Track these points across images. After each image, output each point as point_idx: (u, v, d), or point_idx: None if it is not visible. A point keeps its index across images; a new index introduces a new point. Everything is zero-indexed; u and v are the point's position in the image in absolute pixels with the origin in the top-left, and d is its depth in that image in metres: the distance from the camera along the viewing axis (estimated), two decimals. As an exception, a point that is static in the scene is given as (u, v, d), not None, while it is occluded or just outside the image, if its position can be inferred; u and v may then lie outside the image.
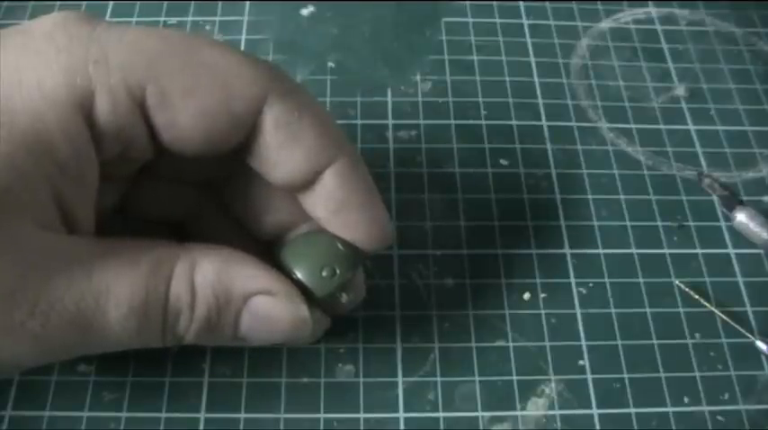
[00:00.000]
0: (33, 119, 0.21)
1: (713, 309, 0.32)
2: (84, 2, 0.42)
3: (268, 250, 0.27)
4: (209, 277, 0.24)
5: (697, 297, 0.32)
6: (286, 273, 0.26)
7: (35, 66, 0.22)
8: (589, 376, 0.31)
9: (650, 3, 0.44)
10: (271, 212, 0.28)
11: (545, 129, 0.38)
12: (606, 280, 0.33)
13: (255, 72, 0.24)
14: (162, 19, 0.41)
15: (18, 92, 0.21)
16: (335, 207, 0.26)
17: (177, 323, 0.24)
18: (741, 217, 0.34)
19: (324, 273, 0.26)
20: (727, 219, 0.35)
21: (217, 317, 0.24)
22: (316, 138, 0.25)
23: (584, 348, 0.31)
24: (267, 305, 0.24)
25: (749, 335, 0.32)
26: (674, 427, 0.30)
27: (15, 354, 0.22)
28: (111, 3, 0.42)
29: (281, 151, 0.24)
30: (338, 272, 0.26)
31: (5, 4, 0.41)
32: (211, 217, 0.29)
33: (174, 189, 0.29)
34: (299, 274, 0.26)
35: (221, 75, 0.23)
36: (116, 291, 0.22)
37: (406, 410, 0.29)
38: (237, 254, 0.25)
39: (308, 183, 0.25)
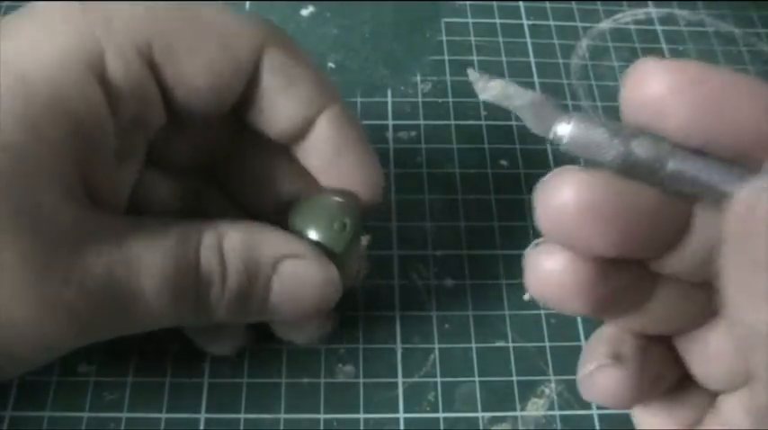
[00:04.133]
0: (50, 85, 0.22)
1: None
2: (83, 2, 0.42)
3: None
4: (237, 246, 0.24)
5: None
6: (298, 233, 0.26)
7: (45, 36, 0.23)
8: (589, 376, 0.31)
9: (650, 3, 0.44)
10: (270, 187, 0.29)
11: (545, 129, 0.38)
12: (606, 280, 0.33)
13: (253, 24, 0.26)
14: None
15: (33, 60, 0.22)
16: (331, 153, 0.27)
17: (209, 294, 0.24)
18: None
19: (335, 227, 0.26)
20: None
21: (248, 285, 0.24)
22: (311, 83, 0.26)
23: (584, 348, 0.31)
24: (297, 268, 0.25)
25: None
26: (673, 428, 0.30)
27: (54, 329, 0.22)
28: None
29: (279, 95, 0.26)
30: (348, 222, 0.26)
31: (5, 3, 0.41)
32: (214, 202, 0.30)
33: (178, 179, 0.29)
34: (313, 235, 0.26)
35: (222, 29, 0.25)
36: (147, 259, 0.23)
37: (406, 411, 0.29)
38: (260, 224, 0.26)
39: (304, 130, 0.26)
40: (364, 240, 0.27)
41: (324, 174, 0.27)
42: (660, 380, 0.20)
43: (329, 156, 0.27)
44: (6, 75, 0.22)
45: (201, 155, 0.29)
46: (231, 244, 0.24)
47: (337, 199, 0.27)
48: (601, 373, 0.19)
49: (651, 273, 0.18)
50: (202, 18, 0.25)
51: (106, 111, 0.23)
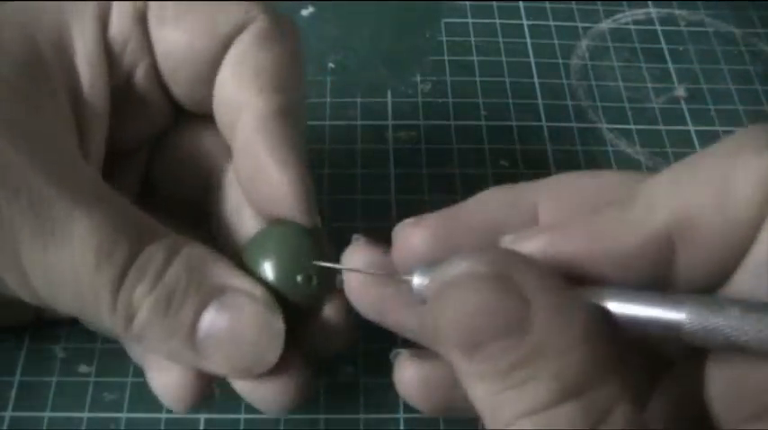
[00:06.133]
0: (58, 23, 0.24)
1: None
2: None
3: None
4: (192, 257, 0.22)
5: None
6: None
7: None
8: (589, 377, 0.31)
9: (650, 3, 0.44)
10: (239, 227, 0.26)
11: (545, 129, 0.38)
12: (606, 280, 0.33)
13: (250, 5, 0.25)
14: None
15: (50, 11, 0.24)
16: (251, 155, 0.24)
17: (137, 284, 0.21)
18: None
19: (299, 280, 0.23)
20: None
21: (181, 295, 0.22)
22: (260, 68, 0.25)
23: (584, 349, 0.31)
24: (241, 303, 0.22)
25: None
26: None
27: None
28: (112, 3, 0.42)
29: (225, 74, 0.25)
30: (314, 276, 0.23)
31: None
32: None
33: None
34: (268, 275, 0.23)
35: (214, 2, 0.25)
36: (96, 210, 0.21)
37: (405, 411, 0.29)
38: (223, 254, 0.23)
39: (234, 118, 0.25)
40: (340, 283, 0.22)
41: (245, 185, 0.25)
42: None
43: (249, 165, 0.24)
44: (22, 5, 0.23)
45: (187, 190, 0.28)
46: (189, 252, 0.22)
47: (296, 238, 0.23)
48: (400, 360, 0.22)
49: None
50: None
51: (104, 70, 0.24)
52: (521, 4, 0.43)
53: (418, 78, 0.40)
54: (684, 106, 0.40)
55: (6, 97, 0.22)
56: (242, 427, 0.29)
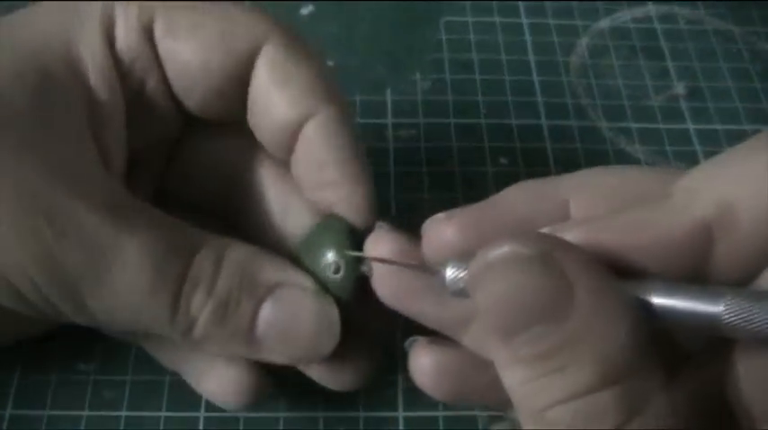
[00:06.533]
0: (67, 45, 0.24)
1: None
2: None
3: None
4: (238, 258, 0.23)
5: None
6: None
7: (72, 8, 0.25)
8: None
9: (649, 1, 0.44)
10: (280, 226, 0.27)
11: (545, 127, 0.38)
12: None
13: (260, 18, 0.25)
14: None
15: (55, 24, 0.24)
16: (313, 162, 0.25)
17: (193, 296, 0.22)
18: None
19: (330, 271, 0.24)
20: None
21: (236, 300, 0.23)
22: (304, 85, 0.24)
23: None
24: (295, 297, 0.23)
25: None
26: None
27: (21, 265, 0.21)
28: (111, 1, 0.42)
29: (272, 91, 0.24)
30: (342, 264, 0.23)
31: (6, 3, 0.41)
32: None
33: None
34: (315, 268, 0.24)
35: (227, 16, 0.25)
36: (141, 229, 0.22)
37: (405, 409, 0.29)
38: (270, 252, 0.24)
39: (293, 138, 0.25)
40: (368, 272, 0.22)
41: (310, 188, 0.25)
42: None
43: (312, 166, 0.25)
44: (28, 29, 0.24)
45: (210, 190, 0.28)
46: (233, 255, 0.23)
47: (330, 234, 0.24)
48: (416, 348, 0.22)
49: None
50: (211, 4, 0.25)
51: (116, 81, 0.24)
52: (520, 2, 0.43)
53: (418, 76, 0.40)
54: (684, 104, 0.40)
55: (29, 127, 0.22)
56: (241, 427, 0.29)
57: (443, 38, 0.41)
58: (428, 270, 0.20)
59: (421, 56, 0.41)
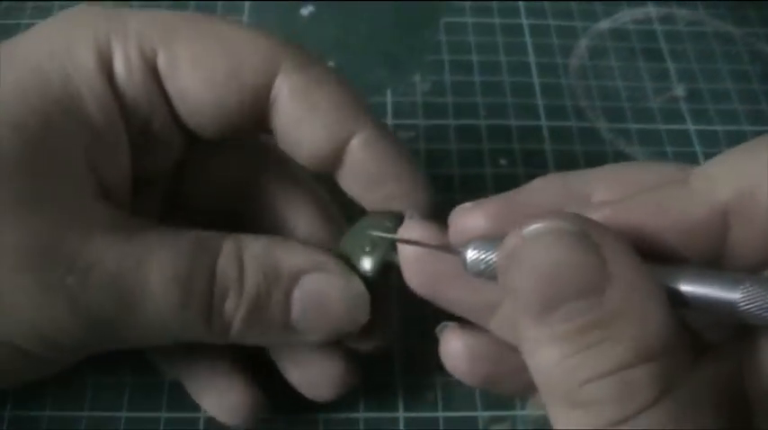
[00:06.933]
0: (64, 82, 0.23)
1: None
2: (84, 2, 0.42)
3: None
4: (257, 254, 0.23)
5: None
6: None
7: (63, 37, 0.23)
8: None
9: (649, 3, 0.44)
10: (291, 234, 0.27)
11: (544, 129, 0.38)
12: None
13: (268, 44, 0.24)
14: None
15: (49, 60, 0.23)
16: (368, 180, 0.25)
17: (224, 302, 0.23)
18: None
19: (366, 249, 0.24)
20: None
21: (267, 295, 0.23)
22: (335, 109, 0.24)
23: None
24: (320, 280, 0.24)
25: None
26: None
27: (53, 317, 0.21)
28: (110, 4, 0.42)
29: (301, 124, 0.24)
30: (378, 242, 0.24)
31: (5, 4, 0.41)
32: None
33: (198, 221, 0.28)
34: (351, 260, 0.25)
35: (233, 46, 0.24)
36: (159, 255, 0.22)
37: (405, 410, 0.29)
38: (283, 238, 0.25)
39: (336, 158, 0.25)
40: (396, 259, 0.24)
41: (364, 200, 0.26)
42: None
43: (367, 184, 0.25)
44: (23, 67, 0.22)
45: (220, 199, 0.28)
46: (252, 252, 0.23)
47: (372, 220, 0.25)
48: (447, 333, 0.23)
49: None
50: (216, 32, 0.24)
51: (116, 113, 0.23)
52: (520, 3, 0.43)
53: (417, 78, 0.40)
54: (683, 106, 0.40)
55: (31, 179, 0.21)
56: (241, 427, 0.29)
57: (443, 39, 0.41)
58: (452, 251, 0.20)
59: (421, 57, 0.41)
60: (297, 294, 0.24)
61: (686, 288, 0.17)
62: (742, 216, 0.17)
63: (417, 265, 0.22)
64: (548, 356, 0.17)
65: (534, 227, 0.17)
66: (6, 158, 0.21)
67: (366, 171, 0.25)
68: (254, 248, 0.23)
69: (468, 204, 0.21)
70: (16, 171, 0.21)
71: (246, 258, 0.23)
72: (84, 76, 0.23)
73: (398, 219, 0.25)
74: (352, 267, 0.25)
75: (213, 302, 0.23)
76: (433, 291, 0.22)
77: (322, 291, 0.24)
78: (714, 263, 0.18)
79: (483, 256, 0.19)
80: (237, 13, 0.42)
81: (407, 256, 0.22)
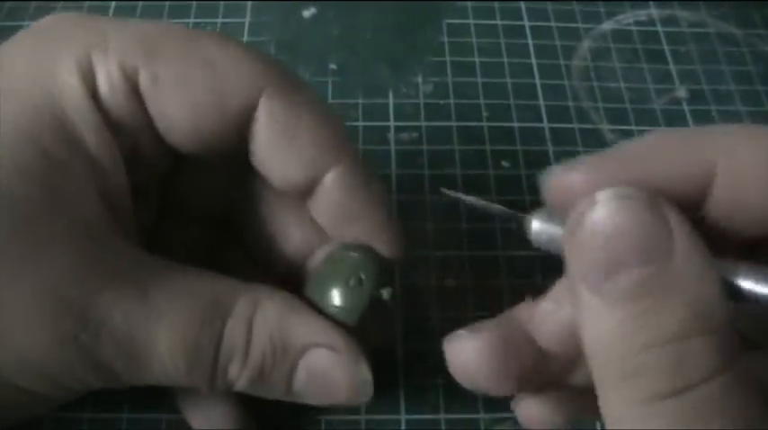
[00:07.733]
0: (53, 110, 0.22)
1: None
2: (86, 2, 0.42)
3: (284, 283, 0.26)
4: (269, 322, 0.23)
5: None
6: (317, 302, 0.25)
7: (45, 57, 0.22)
8: (590, 378, 0.31)
9: (651, 4, 0.44)
10: (283, 239, 0.27)
11: (546, 130, 0.38)
12: (607, 281, 0.33)
13: (252, 67, 0.23)
14: (164, 21, 0.41)
15: (34, 85, 0.22)
16: (338, 214, 0.25)
17: (228, 367, 0.23)
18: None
19: (351, 283, 0.24)
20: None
21: (271, 367, 0.23)
22: (313, 141, 0.24)
23: (586, 350, 0.31)
24: (326, 361, 0.23)
25: None
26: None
27: (64, 368, 0.21)
28: (113, 4, 0.42)
29: (277, 152, 0.24)
30: (364, 277, 0.24)
31: (8, 4, 0.42)
32: (229, 252, 0.28)
33: (191, 228, 0.28)
34: (332, 296, 0.24)
35: (216, 68, 0.23)
36: (170, 317, 0.22)
37: (407, 412, 0.29)
38: (298, 301, 0.24)
39: (309, 188, 0.24)
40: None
41: (334, 234, 0.25)
42: (535, 372, 0.21)
43: (337, 220, 0.25)
44: (12, 99, 0.22)
45: (214, 203, 0.28)
46: (264, 317, 0.23)
47: (352, 254, 0.25)
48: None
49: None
50: (201, 52, 0.23)
51: (109, 135, 0.23)
52: (522, 4, 0.43)
53: (420, 79, 0.40)
54: (686, 107, 0.40)
55: (41, 224, 0.21)
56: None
57: (445, 40, 0.41)
58: (513, 216, 0.20)
59: (423, 58, 0.41)
60: (302, 365, 0.23)
61: (741, 281, 0.17)
62: (727, 171, 0.18)
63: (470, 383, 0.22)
64: (605, 323, 0.17)
65: (604, 193, 0.17)
66: (19, 204, 0.20)
67: (337, 207, 0.24)
68: (267, 312, 0.23)
69: (563, 166, 0.21)
70: (28, 219, 0.20)
71: (256, 324, 0.23)
72: (72, 102, 0.22)
73: (370, 252, 0.25)
74: (334, 310, 0.24)
75: (218, 366, 0.23)
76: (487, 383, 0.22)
77: (327, 371, 0.23)
78: (695, 220, 0.18)
79: (548, 227, 0.19)
80: (239, 15, 0.42)
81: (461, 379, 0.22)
